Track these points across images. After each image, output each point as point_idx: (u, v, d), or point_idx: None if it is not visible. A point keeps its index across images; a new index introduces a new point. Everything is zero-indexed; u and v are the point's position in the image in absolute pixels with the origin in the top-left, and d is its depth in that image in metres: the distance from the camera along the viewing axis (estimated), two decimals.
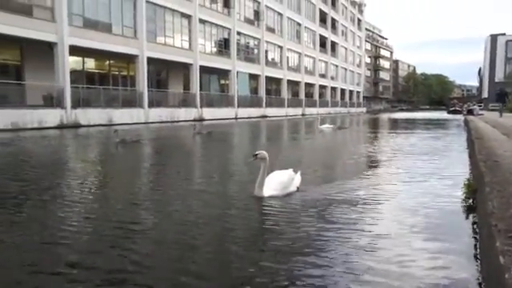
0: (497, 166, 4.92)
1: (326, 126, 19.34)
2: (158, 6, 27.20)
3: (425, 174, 6.43)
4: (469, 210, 4.21)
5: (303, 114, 48.73)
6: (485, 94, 77.75)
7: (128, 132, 15.30)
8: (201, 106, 31.00)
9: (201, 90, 31.46)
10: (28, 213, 4.16)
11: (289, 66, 48.07)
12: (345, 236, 3.36)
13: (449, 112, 58.48)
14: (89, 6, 22.53)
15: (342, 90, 68.35)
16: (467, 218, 4.02)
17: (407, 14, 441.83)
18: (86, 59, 24.67)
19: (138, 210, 4.33)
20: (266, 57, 42.61)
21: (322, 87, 59.91)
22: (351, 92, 73.42)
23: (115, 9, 24.16)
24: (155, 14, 27.22)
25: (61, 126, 19.65)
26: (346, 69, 69.64)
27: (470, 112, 38.81)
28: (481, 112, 39.22)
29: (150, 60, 26.22)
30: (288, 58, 47.80)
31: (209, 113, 31.48)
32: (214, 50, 34.39)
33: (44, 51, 20.33)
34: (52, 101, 20.07)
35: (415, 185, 5.64)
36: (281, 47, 45.90)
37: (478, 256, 2.94)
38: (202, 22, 31.51)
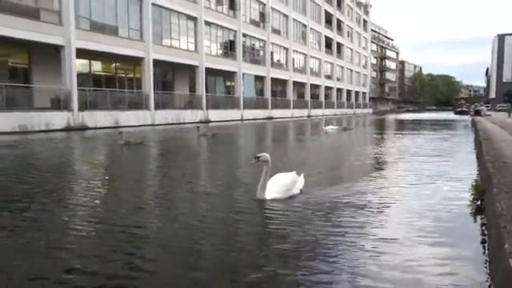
0: (505, 167, 4.87)
1: (331, 128, 19.27)
2: (163, 9, 27.33)
3: (432, 176, 6.36)
4: (477, 211, 4.16)
5: (309, 116, 48.65)
6: (492, 95, 77.12)
7: (133, 134, 15.37)
8: (207, 108, 31.07)
9: (207, 91, 31.54)
10: (33, 216, 4.16)
11: (294, 68, 48.04)
12: (350, 240, 3.31)
13: (456, 113, 58.08)
14: (95, 9, 22.70)
15: (348, 91, 68.16)
16: (475, 219, 3.97)
17: (413, 15, 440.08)
18: (92, 62, 24.85)
19: (142, 213, 4.32)
20: (272, 58, 42.63)
21: (328, 88, 59.79)
22: (357, 93, 73.19)
23: (121, 12, 24.31)
24: (161, 16, 27.36)
25: (68, 129, 19.80)
26: (351, 70, 69.45)
27: (478, 113, 38.49)
28: (488, 112, 38.90)
29: (156, 62, 26.34)
30: (294, 59, 47.78)
31: (215, 115, 31.54)
32: (220, 51, 34.47)
33: (51, 54, 20.50)
34: (59, 103, 20.23)
35: (422, 186, 5.56)
36: (286, 49, 45.90)
37: (487, 259, 2.90)
38: (207, 24, 31.61)
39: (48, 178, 6.56)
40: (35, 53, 20.77)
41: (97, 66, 25.80)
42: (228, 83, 37.55)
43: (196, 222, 3.90)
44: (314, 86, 54.68)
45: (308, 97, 51.83)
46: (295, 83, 48.03)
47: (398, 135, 17.56)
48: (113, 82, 26.05)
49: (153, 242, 3.35)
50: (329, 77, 59.69)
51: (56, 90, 20.44)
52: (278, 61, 44.92)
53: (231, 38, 35.69)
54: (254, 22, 39.06)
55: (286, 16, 45.53)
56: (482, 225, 3.71)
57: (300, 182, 5.09)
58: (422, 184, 5.75)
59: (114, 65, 26.68)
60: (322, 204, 4.51)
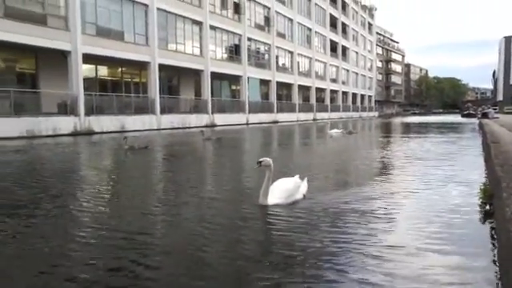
0: None
1: (335, 131, 19.20)
2: (169, 14, 27.50)
3: (440, 180, 6.27)
4: (486, 215, 4.10)
5: (314, 119, 48.59)
6: (500, 97, 76.54)
7: (137, 139, 15.42)
8: (212, 112, 31.14)
9: (212, 95, 31.62)
10: (37, 222, 4.15)
11: (299, 71, 48.06)
12: (356, 247, 3.23)
13: (463, 115, 57.63)
14: (101, 15, 22.90)
15: (354, 95, 68.01)
16: (484, 224, 3.91)
17: (419, 18, 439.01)
18: (98, 67, 25.04)
19: (146, 219, 4.29)
20: (277, 62, 42.68)
21: (333, 92, 59.71)
22: (363, 96, 73.02)
23: (127, 17, 24.50)
24: (166, 21, 27.52)
25: (75, 133, 19.93)
26: (357, 73, 69.33)
27: (485, 115, 38.16)
28: (496, 115, 38.57)
29: (162, 67, 26.48)
30: (299, 63, 47.81)
31: (220, 119, 31.59)
32: (225, 56, 34.59)
33: (58, 60, 20.69)
34: (66, 108, 20.38)
35: (430, 191, 5.48)
36: (291, 52, 45.95)
37: (497, 264, 2.85)
38: (212, 28, 31.75)
39: (52, 183, 6.58)
40: (42, 58, 20.98)
41: (103, 71, 25.99)
42: (233, 87, 37.64)
43: (200, 228, 3.85)
44: (320, 90, 54.64)
45: (313, 100, 51.79)
46: (300, 87, 48.02)
47: (404, 138, 17.43)
48: (119, 86, 26.22)
49: (156, 248, 3.31)
50: (334, 80, 59.62)
51: (63, 94, 20.60)
52: (283, 64, 44.96)
53: (236, 42, 35.80)
54: (258, 26, 39.17)
55: (290, 20, 45.61)
56: (492, 229, 3.65)
57: (303, 186, 5.00)
58: (430, 188, 5.66)
59: (119, 69, 26.86)
60: (326, 210, 4.43)
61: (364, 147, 14.27)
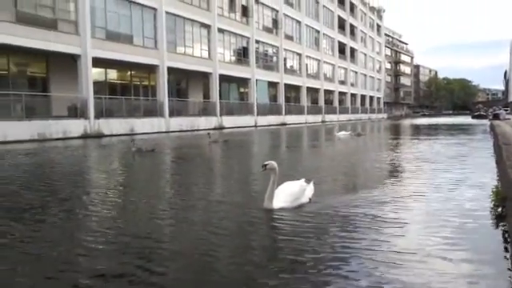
0: None
1: (343, 133, 19.12)
2: (177, 17, 27.67)
3: (450, 183, 6.20)
4: (498, 218, 4.03)
5: (323, 121, 48.42)
6: (511, 98, 75.53)
7: (145, 141, 15.51)
8: (221, 115, 31.21)
9: (220, 98, 31.71)
10: (44, 226, 4.16)
11: (308, 74, 47.97)
12: (365, 253, 3.17)
13: (473, 117, 56.99)
14: (111, 19, 23.13)
15: (362, 97, 67.66)
16: (497, 227, 3.85)
17: (428, 18, 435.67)
18: (108, 70, 25.27)
19: (154, 222, 4.28)
20: (285, 64, 42.67)
21: (342, 94, 59.48)
22: (371, 98, 72.61)
23: (136, 20, 24.70)
24: (175, 24, 27.69)
25: (85, 136, 20.12)
26: (365, 75, 68.99)
27: (496, 116, 37.66)
28: (508, 116, 38.06)
29: (171, 70, 26.63)
30: (307, 65, 47.73)
31: (229, 121, 31.65)
32: (233, 58, 34.67)
33: (68, 63, 20.93)
34: (76, 111, 20.60)
35: (441, 194, 5.41)
36: (299, 54, 45.90)
37: (510, 267, 2.80)
38: (220, 31, 31.86)
39: (61, 187, 6.62)
40: (53, 62, 21.24)
41: (112, 75, 26.22)
42: (241, 90, 37.70)
43: (207, 232, 3.80)
44: (328, 92, 54.47)
45: (322, 102, 51.63)
46: (309, 89, 47.92)
47: (413, 140, 17.28)
48: (128, 89, 26.43)
49: (163, 253, 3.27)
50: (343, 82, 59.39)
51: (73, 98, 20.82)
52: (292, 67, 44.93)
53: (244, 45, 35.88)
54: (266, 29, 39.22)
55: (298, 22, 45.59)
56: (504, 232, 3.59)
57: (309, 190, 4.93)
58: (441, 192, 5.58)
59: (129, 73, 27.08)
60: (335, 214, 4.37)
61: (373, 149, 14.17)
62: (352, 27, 62.68)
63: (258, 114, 36.15)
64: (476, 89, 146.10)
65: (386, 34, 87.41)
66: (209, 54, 30.89)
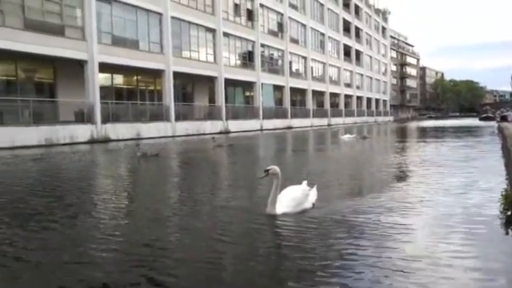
0: None
1: (348, 136, 19.08)
2: (182, 22, 27.81)
3: (458, 186, 6.15)
4: (508, 222, 3.99)
5: (329, 125, 48.30)
6: None
7: (150, 146, 15.55)
8: (226, 119, 31.26)
9: (226, 102, 31.77)
10: (51, 230, 4.17)
11: (313, 77, 47.94)
12: (372, 260, 3.13)
13: (481, 119, 56.53)
14: (117, 24, 23.31)
15: (368, 99, 67.45)
16: (506, 231, 3.81)
17: (433, 20, 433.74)
18: (114, 75, 25.43)
19: (160, 227, 4.27)
20: (290, 68, 42.68)
21: (348, 97, 59.32)
22: (377, 101, 72.34)
23: (142, 26, 24.87)
24: (180, 29, 27.83)
25: (91, 141, 20.24)
26: (371, 77, 68.79)
27: (504, 118, 37.32)
28: None
29: (176, 74, 26.74)
30: (312, 68, 47.71)
31: (234, 125, 31.68)
32: (239, 62, 34.75)
33: (75, 69, 21.10)
34: (83, 116, 20.74)
35: (448, 198, 5.35)
36: (305, 58, 45.90)
37: None
38: (226, 35, 31.96)
39: (66, 192, 6.66)
40: (60, 68, 21.44)
41: (119, 80, 26.38)
42: (247, 93, 37.75)
43: (212, 239, 3.78)
44: (334, 95, 54.37)
45: (327, 105, 51.54)
46: (314, 92, 47.86)
47: (420, 143, 17.17)
48: (134, 94, 26.57)
49: (166, 261, 3.24)
50: (348, 85, 59.26)
51: (80, 103, 20.98)
52: (297, 70, 44.92)
53: (250, 49, 35.96)
54: (272, 32, 39.29)
55: (303, 25, 45.63)
56: None
57: (312, 195, 4.88)
58: (449, 196, 5.52)
59: (135, 78, 27.23)
60: (340, 219, 4.32)
61: (379, 152, 14.09)
62: (357, 30, 62.60)
63: (263, 118, 36.15)
64: (483, 90, 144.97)
65: (391, 36, 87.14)
66: (214, 58, 31.00)
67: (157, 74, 26.54)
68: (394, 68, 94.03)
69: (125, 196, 6.36)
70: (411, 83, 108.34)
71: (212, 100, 31.84)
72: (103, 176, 9.21)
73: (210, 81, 31.33)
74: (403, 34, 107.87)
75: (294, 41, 43.54)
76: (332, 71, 53.92)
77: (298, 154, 14.53)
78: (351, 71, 60.23)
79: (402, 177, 7.83)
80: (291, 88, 42.02)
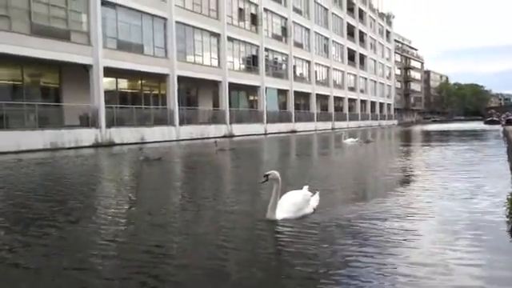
0: None
1: (351, 141, 19.03)
2: (187, 26, 27.94)
3: (463, 190, 6.09)
4: None
5: (333, 128, 48.20)
6: None
7: (153, 150, 15.58)
8: (230, 123, 31.29)
9: (230, 106, 31.82)
10: (52, 236, 4.16)
11: (317, 81, 47.93)
12: (376, 266, 3.10)
13: (486, 122, 56.20)
14: (122, 29, 23.45)
15: (372, 103, 67.30)
16: None
17: (437, 24, 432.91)
18: (119, 80, 25.56)
19: (161, 232, 4.26)
20: (294, 72, 42.70)
21: (352, 100, 59.23)
22: (381, 104, 72.17)
23: (147, 30, 25.02)
24: (185, 33, 27.96)
25: (96, 145, 20.32)
26: (375, 81, 68.68)
27: (510, 122, 37.11)
28: None
29: (181, 78, 26.83)
30: (316, 72, 47.72)
31: (238, 129, 31.71)
32: (243, 66, 34.83)
33: (80, 73, 21.23)
34: (88, 121, 20.85)
35: (454, 203, 5.28)
36: (309, 62, 45.93)
37: None
38: (230, 39, 32.07)
39: (69, 196, 6.67)
40: (66, 72, 21.58)
41: (123, 84, 26.51)
42: (251, 97, 37.80)
43: (214, 246, 3.75)
44: (338, 99, 54.31)
45: (331, 109, 51.48)
46: (318, 96, 47.84)
47: (425, 147, 17.09)
48: (138, 98, 26.68)
49: (166, 268, 3.22)
50: (352, 89, 59.20)
51: (84, 107, 21.10)
52: (301, 74, 44.95)
53: (254, 53, 36.04)
54: (276, 37, 39.38)
55: (307, 29, 45.69)
56: None
57: (313, 200, 4.82)
58: (454, 200, 5.47)
59: (139, 82, 27.35)
60: (344, 225, 4.26)
61: (383, 156, 14.04)
62: (361, 34, 62.59)
63: (267, 122, 36.16)
64: (488, 94, 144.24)
65: (395, 40, 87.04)
66: (218, 62, 31.09)
67: (161, 78, 26.64)
68: (398, 72, 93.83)
69: (126, 201, 6.35)
70: (415, 87, 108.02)
71: (216, 104, 31.91)
72: (105, 180, 9.22)
73: (214, 85, 31.41)
74: (407, 37, 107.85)
75: (298, 45, 43.60)
76: (336, 75, 53.89)
77: (301, 158, 14.50)
78: (355, 75, 60.18)
79: (406, 181, 7.77)
80: (295, 92, 42.03)
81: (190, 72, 27.69)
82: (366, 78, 64.25)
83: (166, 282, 2.95)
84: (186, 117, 27.36)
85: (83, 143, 19.79)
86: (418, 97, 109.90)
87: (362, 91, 62.46)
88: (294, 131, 39.11)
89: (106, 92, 22.27)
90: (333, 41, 52.09)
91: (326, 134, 34.51)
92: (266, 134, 34.78)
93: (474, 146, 16.65)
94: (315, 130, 43.23)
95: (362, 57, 62.91)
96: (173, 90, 26.22)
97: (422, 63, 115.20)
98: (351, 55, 58.65)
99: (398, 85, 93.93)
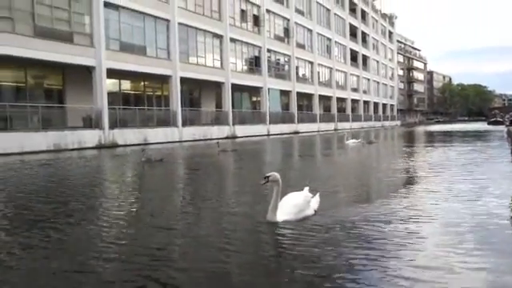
0: None
1: (353, 141, 19.01)
2: (190, 28, 27.99)
3: (467, 192, 6.03)
4: None
5: (336, 129, 48.13)
6: None
7: (155, 151, 15.58)
8: (233, 124, 31.30)
9: (233, 107, 31.83)
10: (54, 237, 4.14)
11: (320, 82, 47.89)
12: (380, 269, 3.06)
13: (489, 123, 55.95)
14: (125, 31, 23.52)
15: (375, 104, 67.17)
16: None
17: (440, 25, 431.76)
18: (122, 81, 25.62)
19: (162, 235, 4.23)
20: (297, 73, 42.69)
21: (355, 101, 59.14)
22: (384, 105, 72.03)
23: (149, 32, 25.07)
24: (187, 35, 28.01)
25: (99, 146, 20.37)
26: (378, 82, 68.56)
27: None
28: None
29: (183, 80, 26.87)
30: (319, 73, 47.68)
31: (241, 130, 31.71)
32: (245, 67, 34.85)
33: (83, 75, 21.30)
34: (91, 122, 20.91)
35: (458, 204, 5.22)
36: (311, 63, 45.89)
37: None
38: (232, 41, 32.09)
39: (71, 198, 6.66)
40: (69, 74, 21.66)
41: (126, 85, 26.57)
42: (254, 98, 37.81)
43: (215, 249, 3.72)
44: (340, 100, 54.24)
45: (334, 110, 51.42)
46: (321, 97, 47.79)
47: (428, 148, 17.02)
48: (141, 100, 26.73)
49: (168, 271, 3.18)
50: (355, 90, 59.11)
51: (88, 109, 21.16)
52: (304, 75, 44.92)
53: (256, 54, 36.05)
54: (278, 38, 39.38)
55: (310, 30, 45.67)
56: None
57: (314, 202, 4.78)
58: (458, 202, 5.40)
59: (142, 83, 27.41)
60: (347, 228, 4.21)
61: (386, 157, 13.97)
62: (364, 34, 62.52)
63: (270, 123, 36.15)
64: (492, 94, 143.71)
65: (398, 41, 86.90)
66: (221, 63, 31.12)
67: (164, 79, 26.69)
68: (401, 72, 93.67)
69: (128, 202, 6.33)
70: (418, 87, 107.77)
71: (219, 105, 31.93)
72: (107, 182, 9.21)
73: (217, 86, 31.43)
74: (410, 38, 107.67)
75: (301, 46, 43.58)
76: (339, 76, 53.83)
77: (303, 159, 14.46)
78: (358, 76, 60.10)
79: (409, 182, 7.70)
80: (298, 93, 42.01)
81: (192, 73, 27.73)
82: (368, 79, 64.15)
83: (167, 284, 2.92)
84: (189, 118, 27.39)
85: (86, 144, 19.83)
86: (421, 97, 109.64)
87: (364, 92, 62.36)
88: (296, 132, 39.08)
89: (109, 93, 22.33)
90: (335, 42, 52.04)
91: (328, 135, 34.44)
92: (268, 135, 34.76)
93: (477, 146, 16.56)
94: (318, 131, 43.18)
95: (365, 57, 62.83)
96: (176, 92, 26.26)
97: (425, 64, 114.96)
98: (354, 56, 58.60)
99: (401, 85, 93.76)
